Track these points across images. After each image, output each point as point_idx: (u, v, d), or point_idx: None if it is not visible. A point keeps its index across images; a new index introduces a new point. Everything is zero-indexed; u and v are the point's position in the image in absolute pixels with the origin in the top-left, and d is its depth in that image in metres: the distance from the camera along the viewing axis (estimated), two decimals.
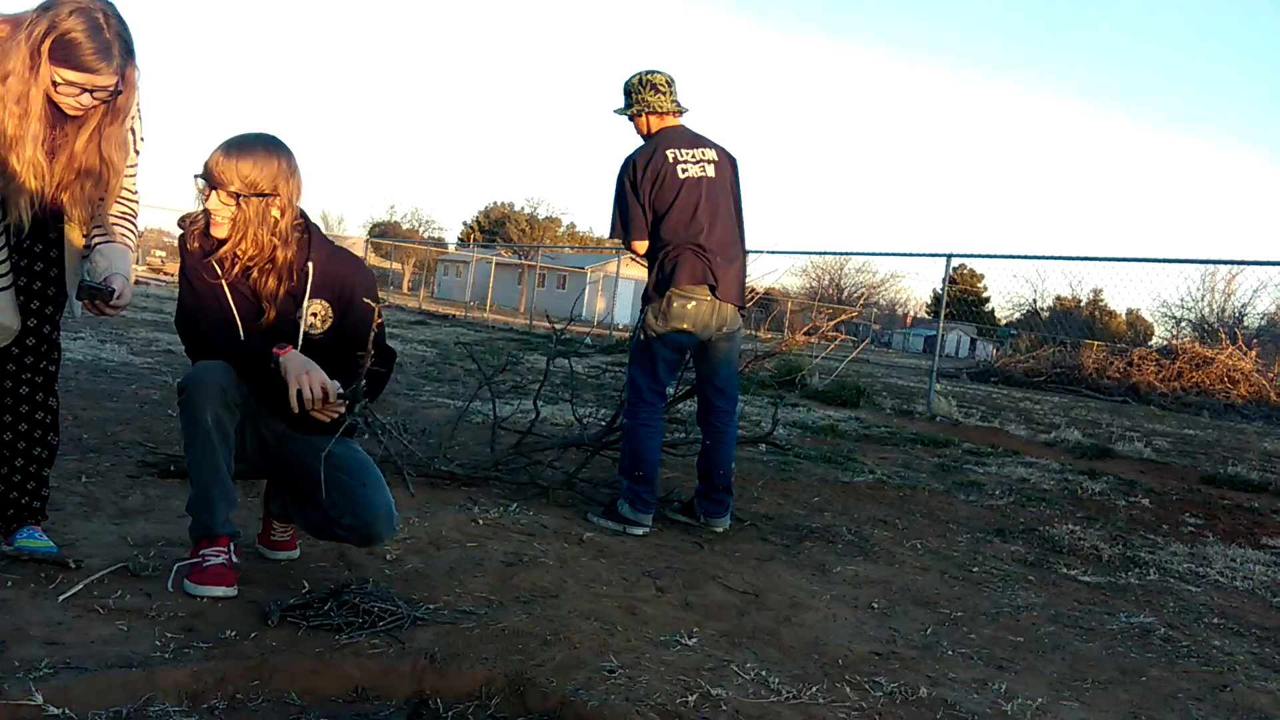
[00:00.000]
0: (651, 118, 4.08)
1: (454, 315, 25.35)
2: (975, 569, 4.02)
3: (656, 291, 4.00)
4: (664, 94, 4.04)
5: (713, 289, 3.93)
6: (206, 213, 2.59)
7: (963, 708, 2.46)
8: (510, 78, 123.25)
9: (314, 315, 2.71)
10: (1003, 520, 5.14)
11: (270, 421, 2.74)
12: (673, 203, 3.93)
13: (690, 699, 2.27)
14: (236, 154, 2.55)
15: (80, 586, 2.47)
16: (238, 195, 2.54)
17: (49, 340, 2.62)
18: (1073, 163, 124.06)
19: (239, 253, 2.60)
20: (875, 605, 3.32)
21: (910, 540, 4.40)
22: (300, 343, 2.66)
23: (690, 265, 3.91)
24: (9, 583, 2.45)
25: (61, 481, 3.37)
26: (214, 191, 2.56)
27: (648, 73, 4.07)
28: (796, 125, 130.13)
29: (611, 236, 4.16)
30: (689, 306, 3.93)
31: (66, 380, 5.44)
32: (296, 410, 2.52)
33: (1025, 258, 11.73)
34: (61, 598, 2.40)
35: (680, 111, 4.11)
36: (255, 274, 2.64)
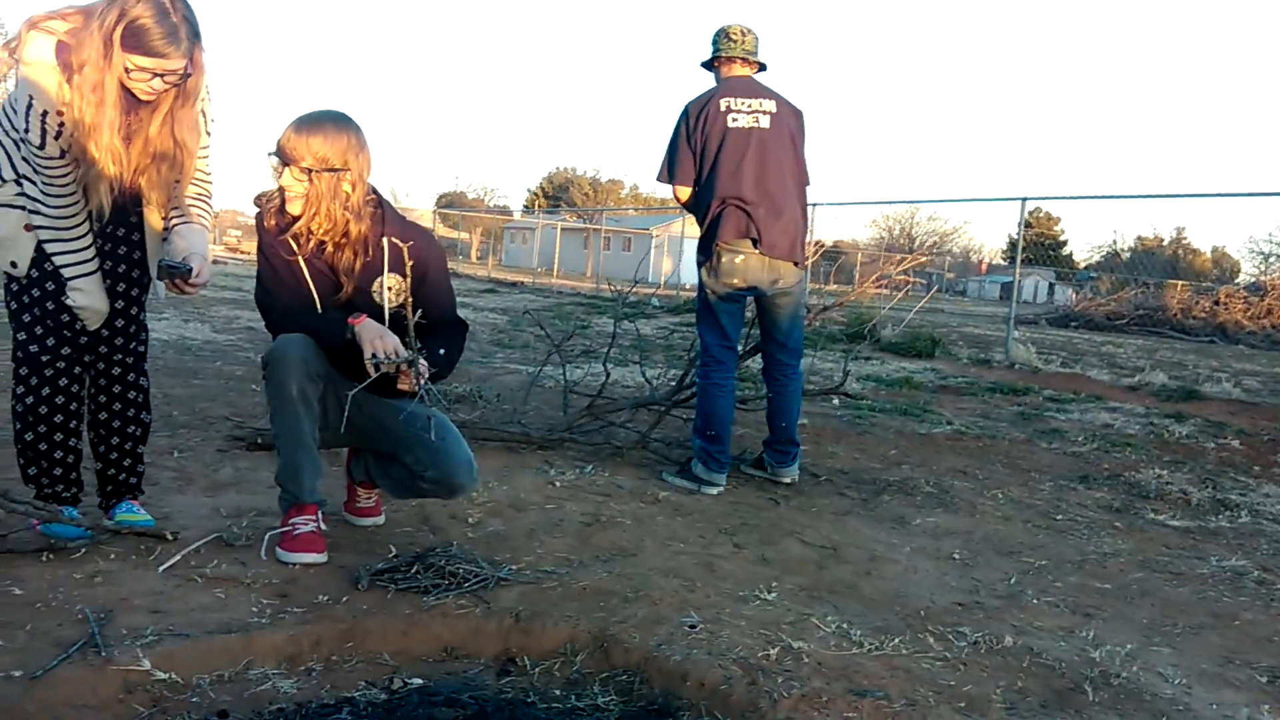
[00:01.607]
0: (721, 65, 4.11)
1: (522, 282, 25.52)
2: (1059, 517, 3.96)
3: (705, 248, 3.99)
4: (735, 41, 4.07)
5: (755, 242, 3.89)
6: (281, 190, 2.65)
7: (1049, 655, 2.44)
8: (567, 41, 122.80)
9: (389, 289, 2.75)
10: (1086, 467, 5.04)
11: (350, 389, 2.80)
12: (719, 153, 3.90)
13: (772, 652, 2.28)
14: (307, 130, 2.59)
15: (178, 557, 2.57)
16: (310, 171, 2.59)
17: (136, 321, 2.71)
18: (1152, 94, 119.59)
19: (313, 228, 2.65)
20: (957, 556, 3.29)
21: (991, 490, 4.34)
22: (387, 319, 2.71)
23: (734, 220, 3.88)
24: (112, 555, 2.56)
25: (155, 457, 3.50)
26: (287, 168, 2.61)
27: (729, 25, 4.12)
28: (860, 70, 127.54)
29: (658, 179, 4.16)
30: (737, 261, 3.91)
31: (154, 359, 5.62)
32: (373, 374, 2.57)
33: (1104, 198, 11.26)
34: (161, 568, 2.50)
35: (749, 61, 4.09)
36: (330, 249, 2.69)
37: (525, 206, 63.13)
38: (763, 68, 4.14)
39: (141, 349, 2.76)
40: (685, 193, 4.05)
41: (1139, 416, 6.86)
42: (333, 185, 2.61)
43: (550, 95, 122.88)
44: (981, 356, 10.47)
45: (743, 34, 4.08)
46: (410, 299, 2.58)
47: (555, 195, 64.56)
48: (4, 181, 2.46)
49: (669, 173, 4.06)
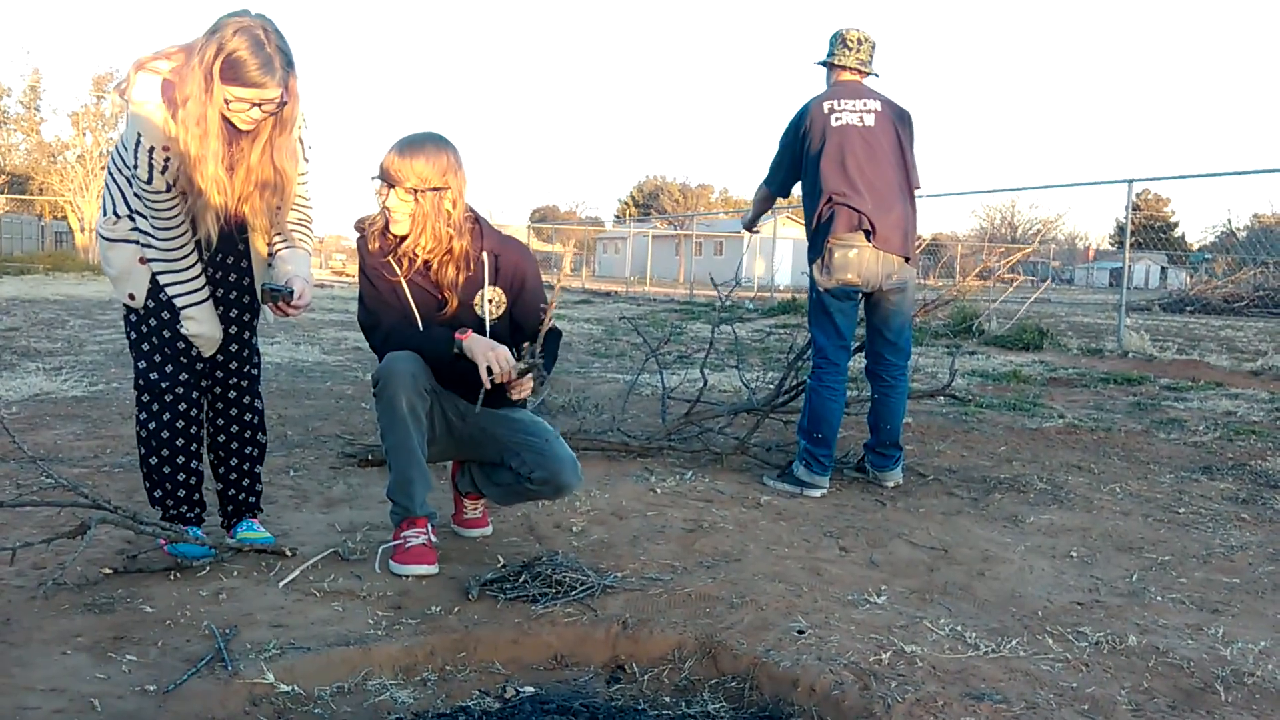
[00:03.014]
0: (833, 71, 4.13)
1: (616, 291, 25.68)
2: (1181, 510, 3.79)
3: (816, 246, 3.95)
4: (850, 50, 4.07)
5: (868, 234, 3.84)
6: (385, 211, 2.72)
7: (1177, 654, 2.34)
8: (653, 49, 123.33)
9: (490, 302, 2.81)
10: (1209, 457, 4.83)
11: (454, 401, 2.86)
12: (822, 149, 3.90)
13: (884, 656, 2.24)
14: (410, 152, 2.66)
15: (297, 572, 2.66)
16: (414, 191, 2.66)
17: (249, 345, 2.81)
18: (1260, 62, 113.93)
19: (419, 248, 2.72)
20: (1074, 554, 3.18)
21: (1108, 484, 4.19)
22: (488, 330, 2.78)
23: (845, 215, 3.85)
24: (235, 572, 2.66)
25: (272, 476, 3.62)
26: (391, 190, 2.68)
27: (848, 29, 4.11)
28: (953, 55, 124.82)
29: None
30: (850, 255, 3.86)
31: (268, 381, 5.83)
32: (489, 386, 2.63)
33: (1215, 175, 10.81)
34: (282, 584, 2.59)
35: (861, 71, 4.08)
36: (435, 266, 2.76)
37: (616, 216, 63.64)
38: (873, 77, 4.12)
39: (255, 372, 2.86)
40: (764, 193, 4.30)
41: (1263, 403, 6.53)
42: (436, 203, 2.68)
43: (638, 104, 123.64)
44: (1092, 346, 10.12)
45: (858, 42, 4.07)
46: (551, 305, 2.64)
47: (645, 203, 64.86)
48: (119, 218, 2.58)
49: (767, 172, 4.23)
